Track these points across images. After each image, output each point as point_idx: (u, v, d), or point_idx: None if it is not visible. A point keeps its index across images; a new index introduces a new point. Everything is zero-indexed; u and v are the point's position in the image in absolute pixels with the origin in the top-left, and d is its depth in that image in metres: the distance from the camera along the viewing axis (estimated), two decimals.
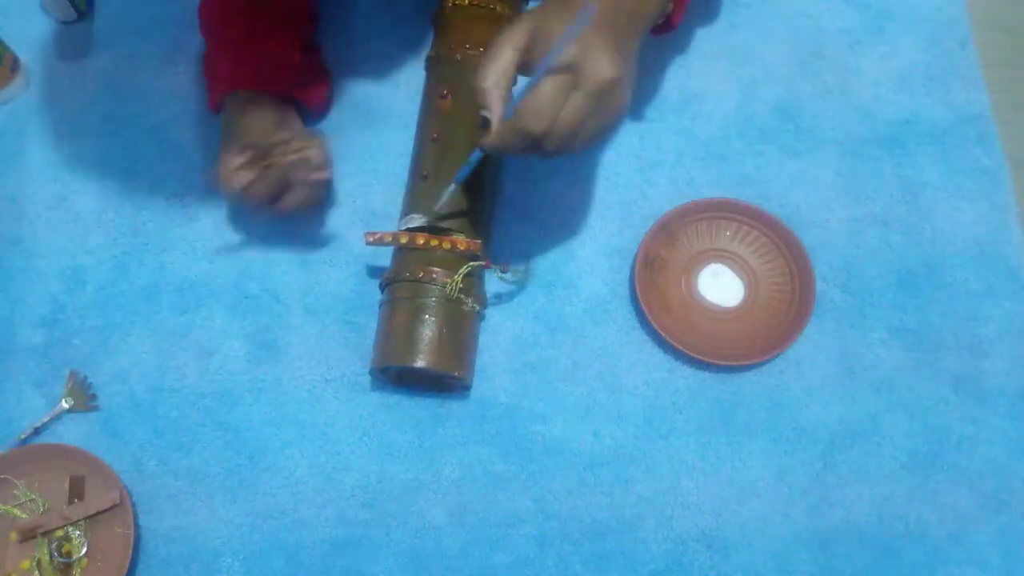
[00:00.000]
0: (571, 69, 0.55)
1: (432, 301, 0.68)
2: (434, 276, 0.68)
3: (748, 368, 0.74)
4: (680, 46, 0.85)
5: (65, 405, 0.73)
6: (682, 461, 0.72)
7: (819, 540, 0.70)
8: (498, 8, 0.76)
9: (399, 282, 0.70)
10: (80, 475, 0.70)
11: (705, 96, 0.84)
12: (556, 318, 0.76)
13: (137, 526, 0.68)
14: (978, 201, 0.80)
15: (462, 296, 0.69)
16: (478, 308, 0.71)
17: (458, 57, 0.74)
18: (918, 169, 0.81)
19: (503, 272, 0.73)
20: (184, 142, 0.81)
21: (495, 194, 0.76)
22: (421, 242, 0.69)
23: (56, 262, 0.77)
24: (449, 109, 0.73)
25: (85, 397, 0.73)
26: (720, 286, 0.77)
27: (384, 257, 0.76)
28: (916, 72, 0.85)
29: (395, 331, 0.68)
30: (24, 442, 0.72)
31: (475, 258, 0.70)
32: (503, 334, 0.75)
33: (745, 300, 0.77)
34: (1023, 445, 0.73)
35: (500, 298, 0.76)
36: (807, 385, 0.74)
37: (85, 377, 0.74)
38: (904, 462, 0.72)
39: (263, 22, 0.75)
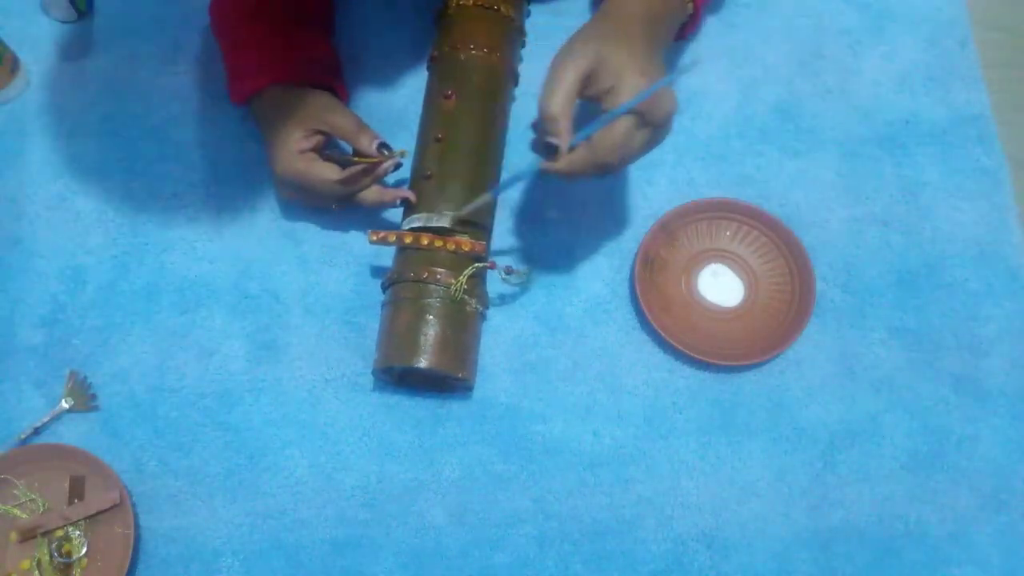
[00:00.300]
0: (648, 112, 0.58)
1: (436, 302, 0.68)
2: (438, 277, 0.68)
3: (748, 368, 0.74)
4: (680, 46, 0.85)
5: (65, 405, 0.73)
6: (682, 461, 0.72)
7: (819, 540, 0.70)
8: (502, 9, 0.77)
9: (402, 282, 0.70)
10: (80, 475, 0.70)
11: (705, 96, 0.84)
12: (556, 318, 0.76)
13: (137, 526, 0.68)
14: (978, 201, 0.80)
15: (466, 297, 0.69)
16: (481, 309, 0.71)
17: (462, 57, 0.75)
18: (918, 169, 0.81)
19: (507, 274, 0.73)
20: (184, 142, 0.81)
21: (497, 196, 0.76)
22: (425, 242, 0.69)
23: (56, 262, 0.77)
24: (453, 109, 0.73)
25: (85, 397, 0.73)
26: (720, 286, 0.77)
27: (384, 257, 0.76)
28: (916, 72, 0.85)
29: (399, 331, 0.68)
30: (24, 442, 0.72)
31: (479, 259, 0.70)
32: (503, 334, 0.75)
33: (745, 300, 0.77)
34: (1023, 445, 0.73)
35: (500, 298, 0.76)
36: (807, 385, 0.74)
37: (85, 377, 0.74)
38: (904, 462, 0.72)
39: (289, 17, 0.76)
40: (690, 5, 0.69)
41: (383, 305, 0.72)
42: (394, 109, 0.82)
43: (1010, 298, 0.77)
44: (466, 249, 0.69)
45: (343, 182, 0.71)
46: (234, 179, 0.80)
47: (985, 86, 0.84)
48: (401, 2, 0.86)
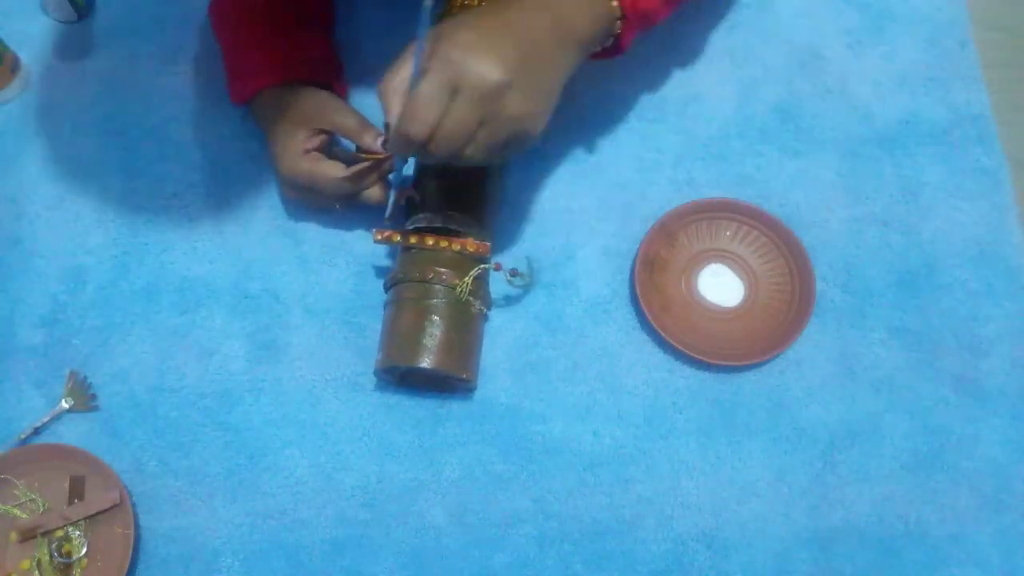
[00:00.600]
0: (451, 72, 0.54)
1: (440, 302, 0.68)
2: (443, 277, 0.68)
3: (748, 368, 0.74)
4: (680, 46, 0.85)
5: (65, 405, 0.73)
6: (682, 461, 0.72)
7: (819, 540, 0.70)
8: None
9: (406, 282, 0.69)
10: (80, 475, 0.70)
11: (705, 96, 0.84)
12: (556, 318, 0.76)
13: (137, 526, 0.68)
14: (978, 201, 0.80)
15: (470, 298, 0.69)
16: (484, 310, 0.71)
17: None
18: (918, 169, 0.81)
19: (512, 276, 0.73)
20: (184, 142, 0.81)
21: (499, 196, 0.76)
22: (430, 243, 0.69)
23: (56, 262, 0.77)
24: None
25: (85, 397, 0.73)
26: (720, 286, 0.77)
27: (385, 257, 0.76)
28: (916, 72, 0.85)
29: (402, 331, 0.68)
30: (24, 442, 0.72)
31: (484, 260, 0.70)
32: (504, 335, 0.75)
33: (745, 300, 0.77)
34: (1023, 445, 0.73)
35: (501, 299, 0.76)
36: (807, 385, 0.74)
37: (85, 377, 0.74)
38: (904, 462, 0.72)
39: (289, 17, 0.76)
40: (618, 23, 0.62)
41: (386, 305, 0.72)
42: None
43: (1010, 298, 0.77)
44: (471, 250, 0.69)
45: (349, 180, 0.71)
46: (234, 179, 0.80)
47: (985, 86, 0.84)
48: (401, 2, 0.86)
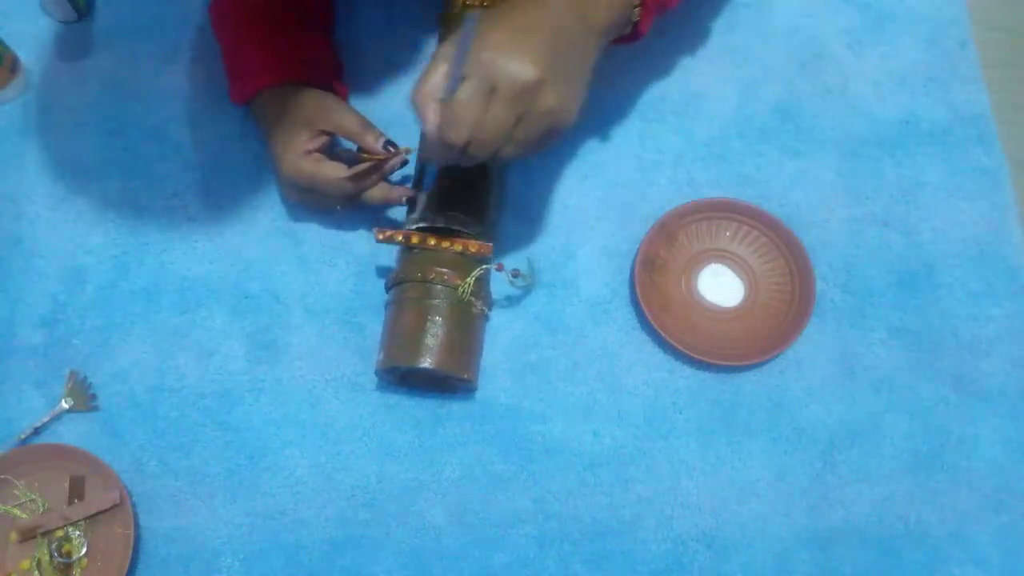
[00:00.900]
0: (487, 74, 0.54)
1: (442, 302, 0.68)
2: (445, 277, 0.68)
3: (748, 368, 0.74)
4: (680, 46, 0.85)
5: (65, 405, 0.73)
6: (682, 461, 0.72)
7: (819, 540, 0.70)
8: None
9: (408, 282, 0.69)
10: (80, 475, 0.70)
11: (705, 96, 0.84)
12: (556, 318, 0.76)
13: (137, 526, 0.68)
14: (978, 201, 0.80)
15: (472, 298, 0.69)
16: (486, 310, 0.71)
17: None
18: (918, 169, 0.81)
19: (514, 277, 0.73)
20: (184, 142, 0.81)
21: (502, 197, 0.76)
22: (432, 243, 0.69)
23: (56, 262, 0.77)
24: None
25: (85, 397, 0.73)
26: (720, 286, 0.77)
27: (385, 257, 0.76)
28: (916, 72, 0.85)
29: (404, 331, 0.68)
30: (24, 442, 0.72)
31: (486, 261, 0.70)
32: (503, 335, 0.75)
33: (745, 300, 0.77)
34: (1023, 445, 0.73)
35: (501, 299, 0.76)
36: (807, 385, 0.74)
37: (85, 377, 0.74)
38: (904, 462, 0.72)
39: (289, 17, 0.76)
40: (636, 10, 0.63)
41: (387, 305, 0.72)
42: (394, 109, 0.82)
43: (1010, 298, 0.77)
44: (473, 250, 0.69)
45: (351, 180, 0.71)
46: (234, 179, 0.80)
47: (985, 86, 0.84)
48: (401, 2, 0.86)
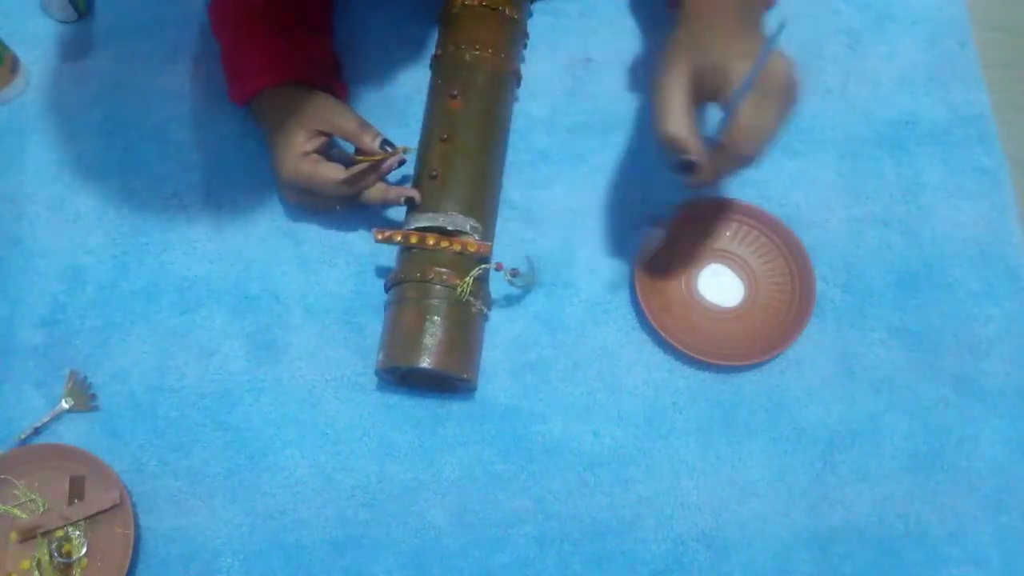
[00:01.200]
0: (774, 85, 0.58)
1: (441, 302, 0.68)
2: (444, 277, 0.68)
3: (748, 368, 0.74)
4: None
5: (65, 405, 0.73)
6: (682, 461, 0.72)
7: (819, 540, 0.70)
8: (506, 9, 0.77)
9: (407, 282, 0.70)
10: (80, 475, 0.70)
11: None
12: (556, 318, 0.76)
13: (137, 526, 0.68)
14: (978, 201, 0.80)
15: (471, 298, 0.69)
16: (485, 310, 0.71)
17: (467, 57, 0.75)
18: (918, 169, 0.81)
19: (513, 276, 0.73)
20: (184, 142, 0.81)
21: (498, 196, 0.76)
22: (431, 243, 0.69)
23: (56, 262, 0.77)
24: (459, 110, 0.73)
25: (85, 397, 0.73)
26: (720, 286, 0.77)
27: (385, 257, 0.76)
28: (916, 72, 0.85)
29: (403, 331, 0.68)
30: (24, 442, 0.72)
31: (485, 260, 0.70)
32: (503, 334, 0.75)
33: (745, 300, 0.77)
34: (1023, 445, 0.73)
35: (500, 299, 0.76)
36: (807, 385, 0.74)
37: (85, 377, 0.74)
38: (904, 462, 0.72)
39: (288, 18, 0.75)
40: None
41: (387, 305, 0.72)
42: (394, 108, 0.82)
43: (1010, 298, 0.77)
44: (472, 250, 0.69)
45: (348, 181, 0.71)
46: (234, 179, 0.80)
47: (985, 86, 0.84)
48: (401, 2, 0.86)
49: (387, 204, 0.74)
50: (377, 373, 0.71)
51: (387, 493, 0.71)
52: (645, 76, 0.84)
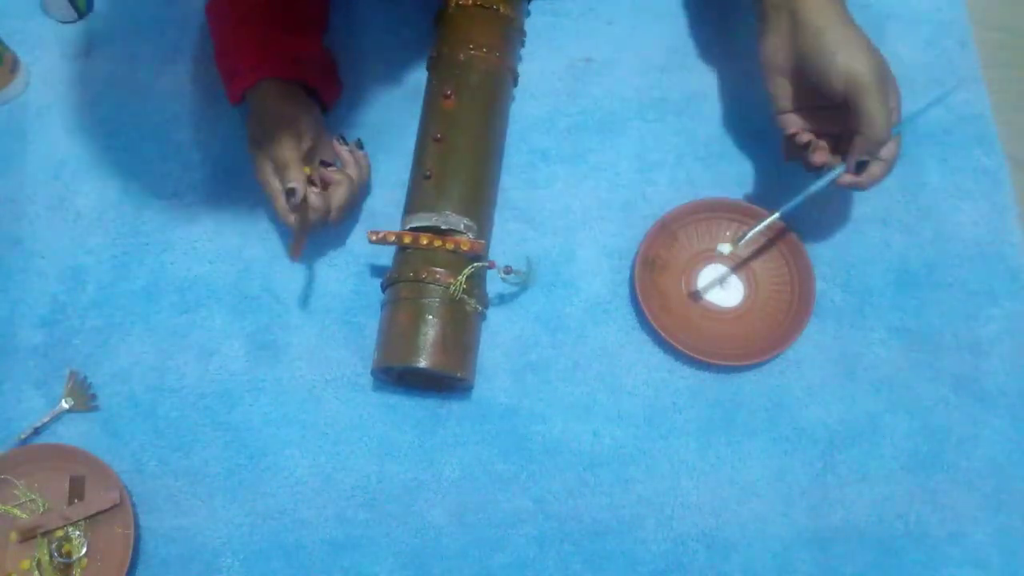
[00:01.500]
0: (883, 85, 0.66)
1: (435, 301, 0.68)
2: (437, 276, 0.68)
3: (748, 368, 0.74)
4: (680, 46, 0.85)
5: (65, 405, 0.73)
6: (682, 461, 0.72)
7: (819, 540, 0.70)
8: (502, 8, 0.77)
9: (402, 282, 0.70)
10: (80, 475, 0.70)
11: (705, 96, 0.84)
12: (556, 318, 0.76)
13: (137, 526, 0.68)
14: (978, 201, 0.80)
15: (465, 297, 0.69)
16: (481, 308, 0.71)
17: (461, 57, 0.75)
18: (918, 169, 0.81)
19: (506, 274, 0.73)
20: (184, 142, 0.81)
21: (495, 195, 0.76)
22: (425, 242, 0.69)
23: (56, 262, 0.77)
24: (453, 109, 0.73)
25: (85, 397, 0.73)
26: (720, 286, 0.77)
27: (385, 257, 0.76)
28: (916, 72, 0.85)
29: (398, 331, 0.68)
30: (24, 442, 0.72)
31: (478, 259, 0.70)
32: (503, 334, 0.75)
33: (745, 300, 0.77)
34: (1023, 445, 0.73)
35: (500, 298, 0.76)
36: (807, 385, 0.74)
37: (85, 377, 0.74)
38: (904, 462, 0.72)
39: (284, 16, 0.75)
40: None
41: (382, 305, 0.72)
42: (393, 109, 0.82)
43: (1010, 298, 0.77)
44: (465, 248, 0.69)
45: (283, 213, 0.70)
46: (234, 179, 0.80)
47: (985, 86, 0.84)
48: (401, 2, 0.86)
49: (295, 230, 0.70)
50: (373, 373, 0.71)
51: (387, 493, 0.71)
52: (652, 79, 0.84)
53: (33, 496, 0.69)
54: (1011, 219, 0.80)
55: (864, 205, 0.80)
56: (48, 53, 0.85)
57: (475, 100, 0.74)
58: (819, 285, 0.75)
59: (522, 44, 0.82)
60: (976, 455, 0.73)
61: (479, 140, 0.74)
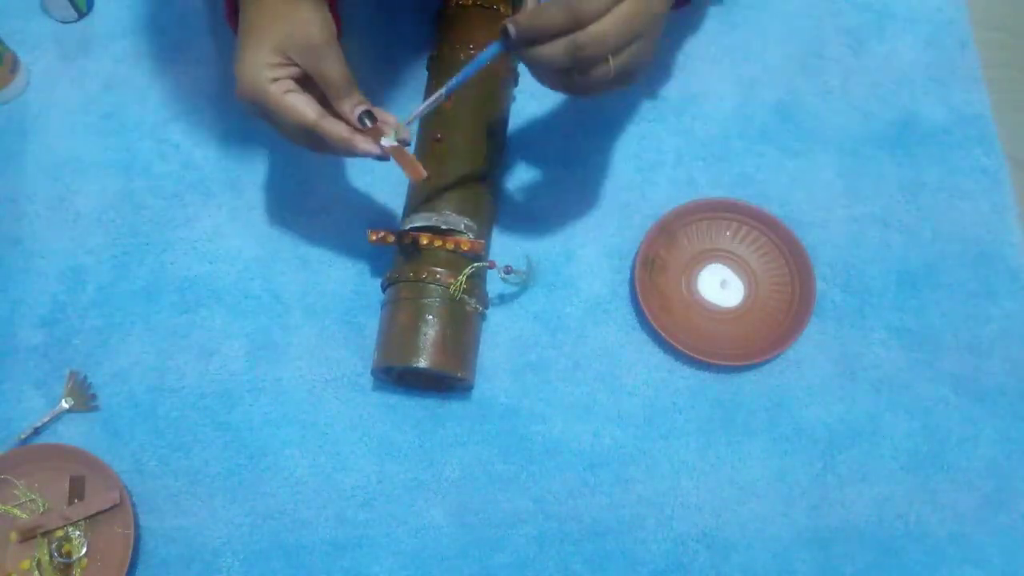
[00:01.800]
0: None
1: (435, 301, 0.68)
2: (437, 276, 0.68)
3: (748, 368, 0.74)
4: (680, 46, 0.85)
5: (65, 405, 0.73)
6: (682, 461, 0.72)
7: (819, 540, 0.70)
8: (501, 8, 0.77)
9: (402, 282, 0.70)
10: (80, 475, 0.70)
11: (705, 96, 0.84)
12: (556, 318, 0.76)
13: (137, 526, 0.68)
14: (978, 201, 0.80)
15: (465, 297, 0.69)
16: (481, 308, 0.71)
17: (461, 57, 0.75)
18: (918, 169, 0.81)
19: (506, 274, 0.73)
20: (184, 142, 0.81)
21: (496, 195, 0.76)
22: (425, 242, 0.69)
23: (56, 262, 0.77)
24: (452, 109, 0.73)
25: (85, 397, 0.73)
26: (720, 286, 0.77)
27: (384, 257, 0.76)
28: (916, 72, 0.85)
29: (398, 331, 0.68)
30: (24, 442, 0.72)
31: (478, 259, 0.70)
32: (503, 334, 0.75)
33: (745, 300, 0.77)
34: (1023, 445, 0.73)
35: (500, 298, 0.76)
36: (807, 385, 0.74)
37: (85, 377, 0.74)
38: (904, 462, 0.72)
39: None
40: None
41: (383, 305, 0.72)
42: (393, 109, 0.81)
43: (1010, 298, 0.77)
44: (465, 248, 0.69)
45: (311, 137, 0.59)
46: (234, 179, 0.80)
47: (985, 86, 0.84)
48: (401, 2, 0.86)
49: (350, 154, 0.61)
50: (373, 373, 0.71)
51: (387, 493, 0.71)
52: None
53: (33, 496, 0.69)
54: (1011, 219, 0.80)
55: (864, 205, 0.80)
56: (48, 53, 0.85)
57: (474, 100, 0.74)
58: (819, 285, 0.75)
59: None
60: (976, 455, 0.73)
61: (478, 140, 0.74)
